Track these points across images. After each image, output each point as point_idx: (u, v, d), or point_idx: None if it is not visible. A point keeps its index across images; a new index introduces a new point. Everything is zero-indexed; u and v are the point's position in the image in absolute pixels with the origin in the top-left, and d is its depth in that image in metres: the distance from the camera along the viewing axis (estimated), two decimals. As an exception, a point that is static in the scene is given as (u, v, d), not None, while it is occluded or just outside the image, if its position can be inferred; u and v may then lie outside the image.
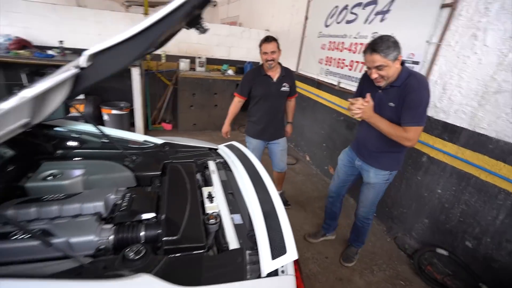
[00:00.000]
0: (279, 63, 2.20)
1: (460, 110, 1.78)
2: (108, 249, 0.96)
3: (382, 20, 2.36)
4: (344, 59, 2.87)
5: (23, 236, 0.89)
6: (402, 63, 1.45)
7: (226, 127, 2.36)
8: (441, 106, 1.89)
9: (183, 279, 0.75)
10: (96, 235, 0.96)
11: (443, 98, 1.88)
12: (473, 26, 1.68)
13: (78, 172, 1.33)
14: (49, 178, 1.27)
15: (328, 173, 3.23)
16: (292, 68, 3.92)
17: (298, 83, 3.78)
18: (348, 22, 2.80)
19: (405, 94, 1.40)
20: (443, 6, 1.82)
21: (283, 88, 2.20)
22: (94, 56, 0.51)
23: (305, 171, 3.46)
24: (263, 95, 2.18)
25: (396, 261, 2.07)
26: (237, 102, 2.27)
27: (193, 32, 0.97)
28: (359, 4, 2.63)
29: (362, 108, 1.46)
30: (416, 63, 2.04)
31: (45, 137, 1.44)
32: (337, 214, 2.13)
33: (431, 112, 1.96)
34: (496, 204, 1.62)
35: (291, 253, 0.87)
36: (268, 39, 2.06)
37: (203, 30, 0.87)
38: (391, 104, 1.47)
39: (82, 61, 0.49)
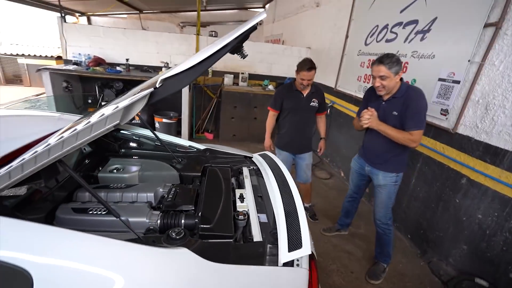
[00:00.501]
0: None
1: (504, 132, 1.70)
2: (155, 230, 1.18)
3: (422, 39, 2.36)
4: (382, 77, 2.88)
5: (96, 212, 1.17)
6: (401, 79, 1.71)
7: (267, 141, 2.52)
8: (483, 127, 1.82)
9: (213, 258, 0.91)
10: (147, 218, 1.19)
11: (486, 118, 1.81)
12: (518, 45, 1.63)
13: (135, 168, 1.63)
14: (114, 171, 1.58)
15: (362, 190, 3.18)
16: (331, 85, 4.00)
17: (336, 100, 3.86)
18: (388, 41, 2.82)
19: (407, 104, 1.64)
20: (487, 25, 1.79)
21: (312, 104, 2.33)
22: (164, 80, 0.73)
23: (338, 186, 3.45)
24: (293, 109, 2.33)
25: (428, 286, 1.97)
26: (272, 116, 2.45)
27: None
28: (399, 24, 2.66)
29: (370, 117, 1.69)
30: (457, 82, 2.00)
31: (113, 138, 1.78)
32: (353, 213, 2.38)
33: (471, 132, 1.89)
34: (544, 234, 1.50)
35: (306, 248, 0.98)
36: (310, 68, 2.13)
37: (243, 56, 1.06)
38: (395, 112, 1.70)
39: (157, 83, 0.70)
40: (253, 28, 0.74)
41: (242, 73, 4.74)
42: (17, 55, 8.74)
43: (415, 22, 2.45)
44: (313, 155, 2.59)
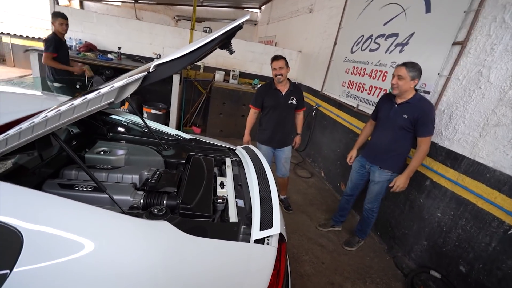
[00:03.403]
0: (289, 80, 2.51)
1: (463, 139, 1.89)
2: (138, 207, 1.26)
3: (400, 51, 2.54)
4: (364, 84, 3.06)
5: (83, 188, 1.24)
6: (416, 90, 1.97)
7: (246, 137, 2.67)
8: (446, 134, 2.01)
9: (191, 232, 1.01)
10: (131, 197, 1.27)
11: (449, 126, 1.99)
12: (479, 63, 1.82)
13: (122, 151, 1.69)
14: (101, 153, 1.64)
15: (340, 190, 3.35)
16: (318, 88, 4.16)
17: (321, 103, 4.02)
18: (371, 50, 3.00)
19: (420, 114, 1.85)
20: (455, 43, 1.98)
21: (290, 101, 2.49)
22: (157, 66, 0.82)
23: (318, 185, 3.60)
24: (272, 106, 2.49)
25: (391, 278, 2.14)
26: (252, 114, 2.59)
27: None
28: (382, 35, 2.84)
29: (402, 186, 1.97)
30: (428, 92, 2.18)
31: (102, 121, 1.83)
32: (348, 211, 2.56)
33: (436, 139, 2.08)
34: (490, 231, 1.69)
35: (276, 228, 1.10)
36: (277, 58, 2.36)
37: (231, 52, 1.17)
38: (405, 116, 1.92)
39: (151, 68, 0.79)
40: (239, 27, 0.85)
41: (233, 71, 4.83)
42: (2, 33, 8.42)
43: (396, 35, 2.63)
44: (296, 154, 2.73)
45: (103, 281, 0.82)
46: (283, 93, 2.47)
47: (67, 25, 3.07)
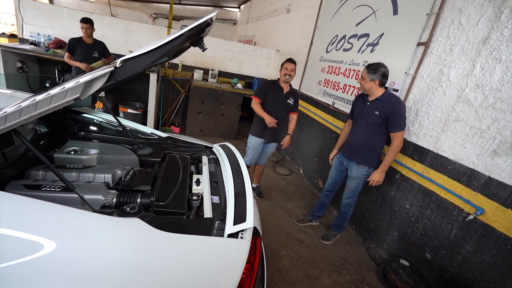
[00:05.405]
0: (290, 84, 2.72)
1: (427, 134, 2.02)
2: (110, 206, 1.24)
3: (372, 51, 2.66)
4: (339, 82, 3.17)
5: (50, 188, 1.19)
6: (386, 88, 2.08)
7: (268, 117, 2.64)
8: (413, 130, 2.13)
9: (165, 228, 1.01)
10: (103, 196, 1.25)
11: (415, 122, 2.12)
12: (441, 63, 1.95)
13: (94, 151, 1.65)
14: (72, 152, 1.59)
15: (318, 186, 3.45)
16: (295, 87, 4.23)
17: (300, 102, 4.09)
18: (345, 50, 3.11)
19: (390, 110, 1.95)
20: (419, 44, 2.11)
21: (288, 101, 2.70)
22: (124, 61, 0.81)
23: (297, 182, 3.68)
24: (272, 101, 2.67)
25: (365, 268, 2.24)
26: (257, 102, 2.72)
27: (208, 46, 1.28)
28: (355, 35, 2.95)
29: (378, 180, 2.08)
30: (396, 90, 2.30)
31: (72, 120, 1.77)
32: (326, 206, 2.65)
33: (405, 134, 2.18)
34: (451, 219, 1.82)
35: (249, 222, 1.12)
36: (291, 60, 2.62)
37: (203, 49, 1.18)
38: (376, 112, 2.02)
39: (118, 63, 0.79)
40: (207, 23, 0.86)
41: (212, 70, 4.81)
42: (-39, 29, 7.79)
43: (367, 35, 2.75)
44: (276, 152, 2.83)
45: (69, 278, 0.80)
46: (284, 92, 2.68)
47: (88, 29, 3.33)
